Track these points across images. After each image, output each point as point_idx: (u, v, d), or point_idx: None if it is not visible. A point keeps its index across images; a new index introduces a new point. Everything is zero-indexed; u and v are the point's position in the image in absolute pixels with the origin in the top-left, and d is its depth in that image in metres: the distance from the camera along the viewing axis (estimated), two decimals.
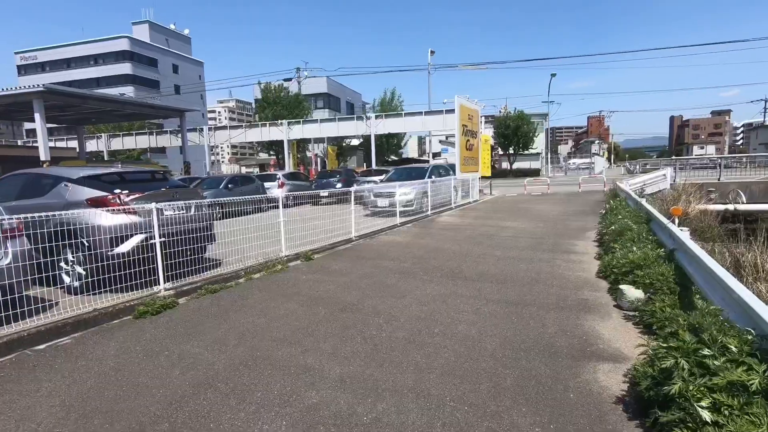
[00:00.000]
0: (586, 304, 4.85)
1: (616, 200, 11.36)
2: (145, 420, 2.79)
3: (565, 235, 9.28)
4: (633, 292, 4.56)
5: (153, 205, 5.27)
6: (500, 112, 44.93)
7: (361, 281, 6.05)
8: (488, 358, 3.58)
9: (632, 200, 10.54)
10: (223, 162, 67.82)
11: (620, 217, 8.18)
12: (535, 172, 40.90)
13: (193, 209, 6.18)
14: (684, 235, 5.03)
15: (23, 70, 58.23)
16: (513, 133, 41.09)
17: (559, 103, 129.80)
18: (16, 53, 59.11)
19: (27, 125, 48.58)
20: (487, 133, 22.19)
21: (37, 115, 15.40)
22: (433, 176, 14.53)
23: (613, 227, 7.43)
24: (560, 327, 4.20)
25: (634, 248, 5.57)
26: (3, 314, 4.03)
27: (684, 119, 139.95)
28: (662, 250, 5.38)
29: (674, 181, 19.72)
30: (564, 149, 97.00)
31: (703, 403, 2.16)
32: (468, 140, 17.89)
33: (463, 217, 13.15)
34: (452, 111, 18.76)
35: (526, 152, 43.24)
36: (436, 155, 42.82)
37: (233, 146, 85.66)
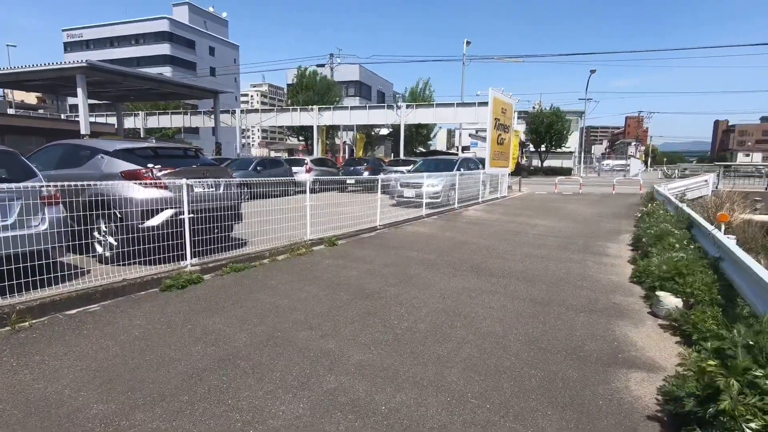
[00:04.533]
0: (618, 309, 4.63)
1: (654, 204, 10.86)
2: (166, 391, 2.81)
3: (598, 237, 8.94)
4: (671, 300, 4.31)
5: (184, 181, 5.33)
6: (534, 107, 43.63)
7: (384, 270, 5.98)
8: (512, 356, 3.46)
9: (671, 205, 10.05)
10: (253, 145, 68.89)
11: (659, 221, 7.79)
12: (566, 171, 39.72)
13: (222, 188, 6.23)
14: (731, 242, 4.72)
15: (69, 47, 60.27)
16: (546, 130, 39.85)
17: (596, 101, 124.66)
18: (63, 30, 61.27)
19: (70, 101, 50.56)
20: (519, 129, 21.56)
21: (79, 90, 15.94)
22: (462, 169, 14.26)
23: (650, 231, 7.08)
24: (590, 330, 4.02)
25: (674, 254, 5.27)
26: (38, 278, 4.16)
27: (729, 124, 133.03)
28: (705, 258, 5.07)
29: (716, 187, 18.80)
30: (598, 149, 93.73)
31: (752, 425, 1.99)
32: (500, 134, 17.46)
33: (491, 212, 12.88)
34: (485, 104, 18.33)
35: (558, 150, 41.96)
36: (465, 149, 42.08)
37: (263, 131, 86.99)
